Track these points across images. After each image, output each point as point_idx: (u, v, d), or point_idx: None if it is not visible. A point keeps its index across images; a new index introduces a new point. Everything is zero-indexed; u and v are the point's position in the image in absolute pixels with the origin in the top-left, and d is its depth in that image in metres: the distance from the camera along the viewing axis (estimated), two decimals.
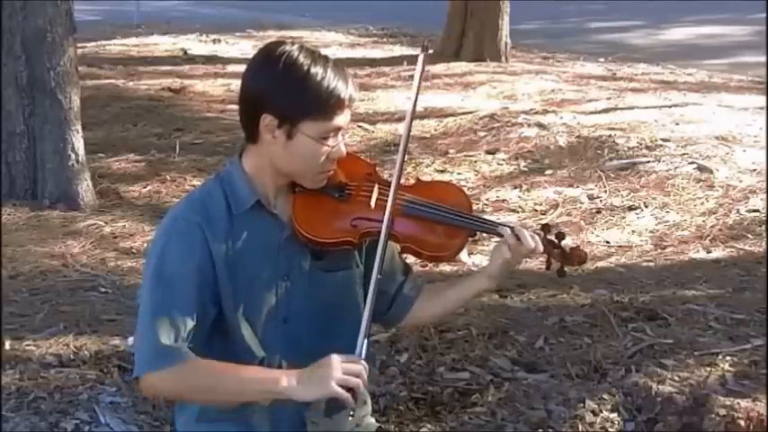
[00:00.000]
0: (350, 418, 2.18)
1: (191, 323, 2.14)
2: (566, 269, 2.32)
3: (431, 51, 2.38)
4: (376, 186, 2.28)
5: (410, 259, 2.44)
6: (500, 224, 2.33)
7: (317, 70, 2.13)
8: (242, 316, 2.21)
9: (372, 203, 2.26)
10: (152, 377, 2.14)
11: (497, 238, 2.32)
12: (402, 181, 2.28)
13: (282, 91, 2.13)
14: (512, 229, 2.27)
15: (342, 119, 2.18)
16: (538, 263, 4.93)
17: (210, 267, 2.16)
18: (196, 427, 2.30)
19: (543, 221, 5.53)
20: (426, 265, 4.52)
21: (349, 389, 2.06)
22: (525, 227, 2.37)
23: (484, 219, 2.42)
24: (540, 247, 2.27)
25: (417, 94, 2.33)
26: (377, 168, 2.37)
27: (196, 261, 2.15)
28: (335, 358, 2.07)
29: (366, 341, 2.11)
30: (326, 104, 2.14)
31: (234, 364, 2.16)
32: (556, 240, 2.32)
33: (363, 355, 2.10)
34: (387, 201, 2.22)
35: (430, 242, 2.29)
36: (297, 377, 2.08)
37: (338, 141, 2.20)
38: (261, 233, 2.22)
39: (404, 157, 2.29)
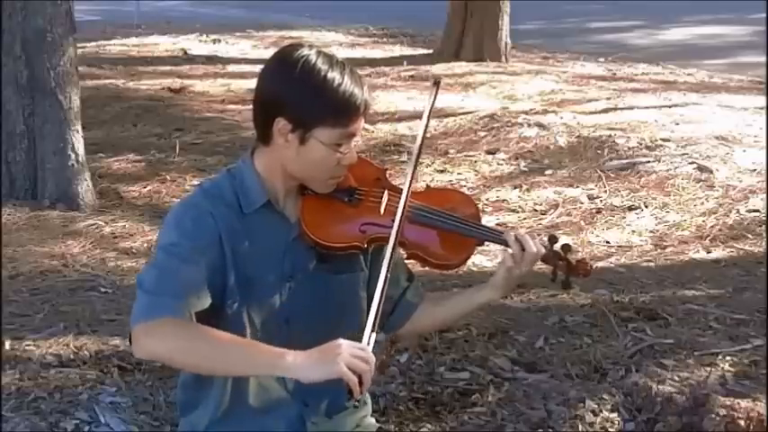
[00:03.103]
0: (354, 407, 2.12)
1: (194, 294, 2.09)
2: (571, 281, 2.32)
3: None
4: (386, 192, 2.28)
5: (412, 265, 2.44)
6: (505, 232, 2.32)
7: (333, 76, 2.12)
8: (244, 314, 2.20)
9: (382, 209, 2.26)
10: (145, 327, 2.04)
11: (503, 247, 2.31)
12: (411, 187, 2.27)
13: (298, 96, 2.12)
14: (514, 236, 2.26)
15: (356, 125, 2.17)
16: (538, 264, 4.94)
17: (219, 253, 2.15)
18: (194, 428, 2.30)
19: (543, 221, 5.54)
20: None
21: (356, 375, 1.97)
22: (525, 228, 2.37)
23: (492, 228, 2.41)
24: (543, 250, 2.26)
25: (428, 123, 2.32)
26: (387, 173, 2.37)
27: (206, 242, 2.13)
28: (344, 342, 2.00)
29: (374, 335, 2.04)
30: (342, 111, 2.13)
31: (233, 335, 2.09)
32: (561, 252, 2.31)
33: (371, 347, 2.03)
34: (396, 207, 2.20)
35: (437, 251, 2.29)
36: (303, 356, 2.01)
37: (351, 148, 2.19)
38: (268, 233, 2.21)
39: (416, 166, 2.28)
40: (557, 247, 2.31)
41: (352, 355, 1.98)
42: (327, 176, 2.22)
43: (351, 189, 2.27)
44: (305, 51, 2.16)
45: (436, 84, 2.37)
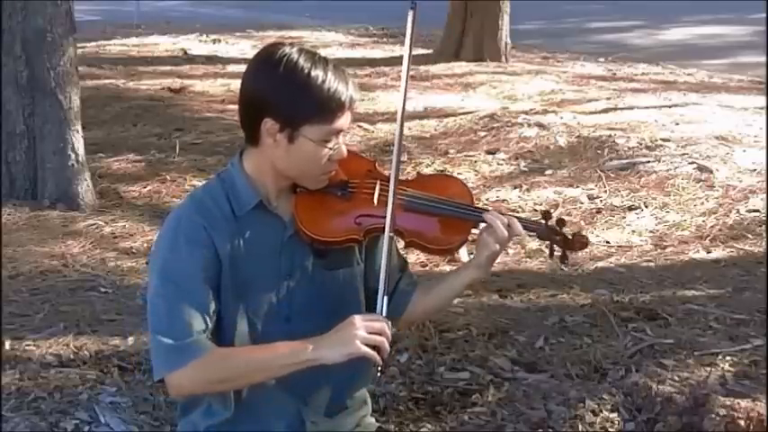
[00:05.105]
0: (379, 375, 2.16)
1: (203, 318, 2.13)
2: (568, 255, 2.33)
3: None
4: (378, 183, 2.29)
5: (411, 256, 2.44)
6: (482, 210, 2.33)
7: (317, 73, 2.13)
8: (244, 315, 2.21)
9: (375, 200, 2.27)
10: (176, 375, 2.12)
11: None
12: (403, 176, 2.28)
13: (284, 95, 2.13)
14: (487, 212, 2.28)
15: (343, 121, 2.18)
16: (538, 262, 4.96)
17: (216, 266, 2.16)
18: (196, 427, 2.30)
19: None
20: (426, 265, 4.52)
21: (374, 347, 2.06)
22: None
23: (483, 208, 2.43)
24: (520, 228, 2.27)
25: (410, 60, 2.38)
26: (376, 165, 2.38)
27: (202, 260, 2.15)
28: (357, 318, 2.09)
29: (386, 298, 2.12)
30: (328, 108, 2.14)
31: (253, 345, 2.18)
32: (557, 227, 2.33)
33: (384, 313, 2.12)
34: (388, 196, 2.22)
35: (435, 236, 2.30)
36: (321, 342, 2.09)
37: (339, 143, 2.20)
38: (263, 233, 2.22)
39: (400, 146, 2.29)
40: (551, 222, 2.33)
41: (367, 329, 2.07)
42: (319, 172, 2.22)
43: (343, 183, 2.28)
44: (286, 50, 2.16)
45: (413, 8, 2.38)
